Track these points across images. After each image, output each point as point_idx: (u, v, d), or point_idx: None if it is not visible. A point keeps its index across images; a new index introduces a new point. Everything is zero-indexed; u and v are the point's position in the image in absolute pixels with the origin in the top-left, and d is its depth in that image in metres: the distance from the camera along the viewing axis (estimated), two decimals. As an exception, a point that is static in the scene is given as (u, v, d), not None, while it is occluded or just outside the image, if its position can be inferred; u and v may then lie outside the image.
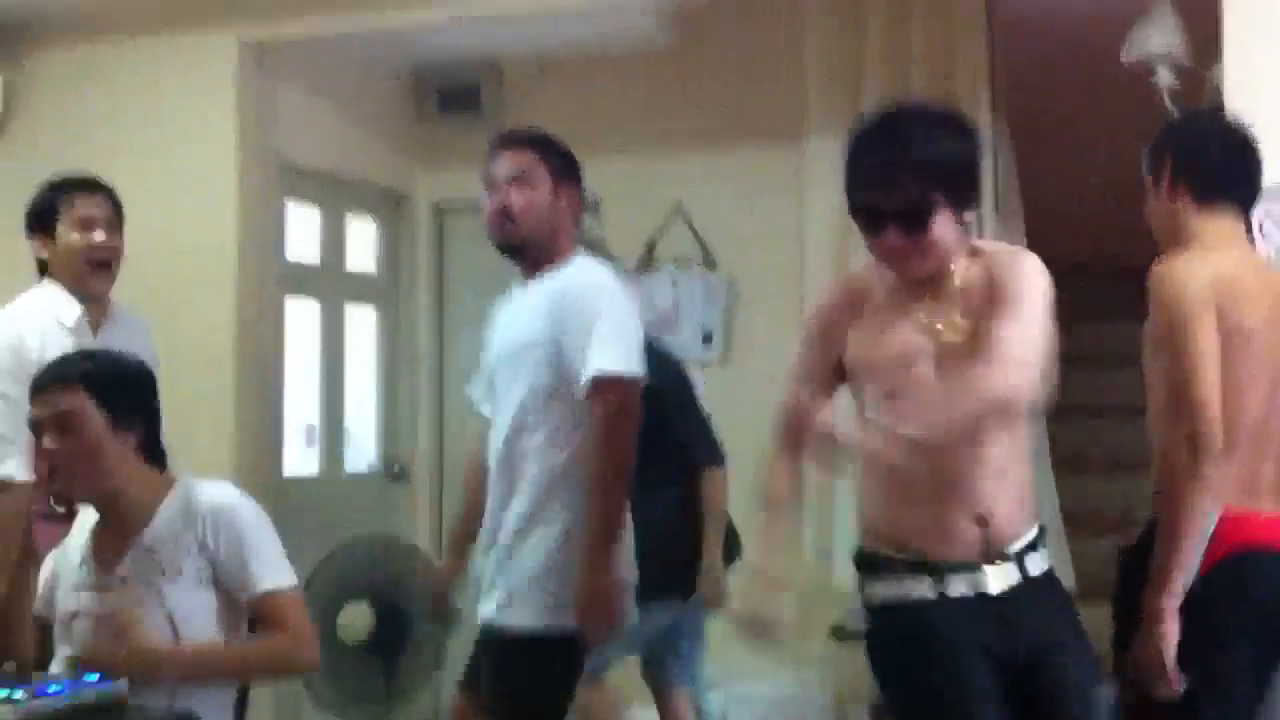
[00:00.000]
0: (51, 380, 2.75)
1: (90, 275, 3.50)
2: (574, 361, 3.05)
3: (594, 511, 3.02)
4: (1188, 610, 2.70)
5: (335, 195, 5.43)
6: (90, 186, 3.57)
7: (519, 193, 3.16)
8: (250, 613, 2.78)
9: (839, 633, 4.47)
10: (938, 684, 2.49)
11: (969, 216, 2.53)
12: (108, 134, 4.82)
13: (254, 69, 4.80)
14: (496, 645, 3.07)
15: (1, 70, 4.88)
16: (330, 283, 5.43)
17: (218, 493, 2.85)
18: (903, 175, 2.42)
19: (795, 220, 5.09)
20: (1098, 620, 4.90)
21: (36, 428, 2.72)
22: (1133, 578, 2.78)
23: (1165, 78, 4.67)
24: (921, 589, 2.51)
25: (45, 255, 3.53)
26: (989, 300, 2.48)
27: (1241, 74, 3.68)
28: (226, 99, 4.74)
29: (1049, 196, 5.26)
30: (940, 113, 2.57)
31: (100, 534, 2.82)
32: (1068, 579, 4.72)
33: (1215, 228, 2.83)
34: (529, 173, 3.18)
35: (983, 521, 2.51)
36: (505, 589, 3.08)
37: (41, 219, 3.52)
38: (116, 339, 3.46)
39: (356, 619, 3.65)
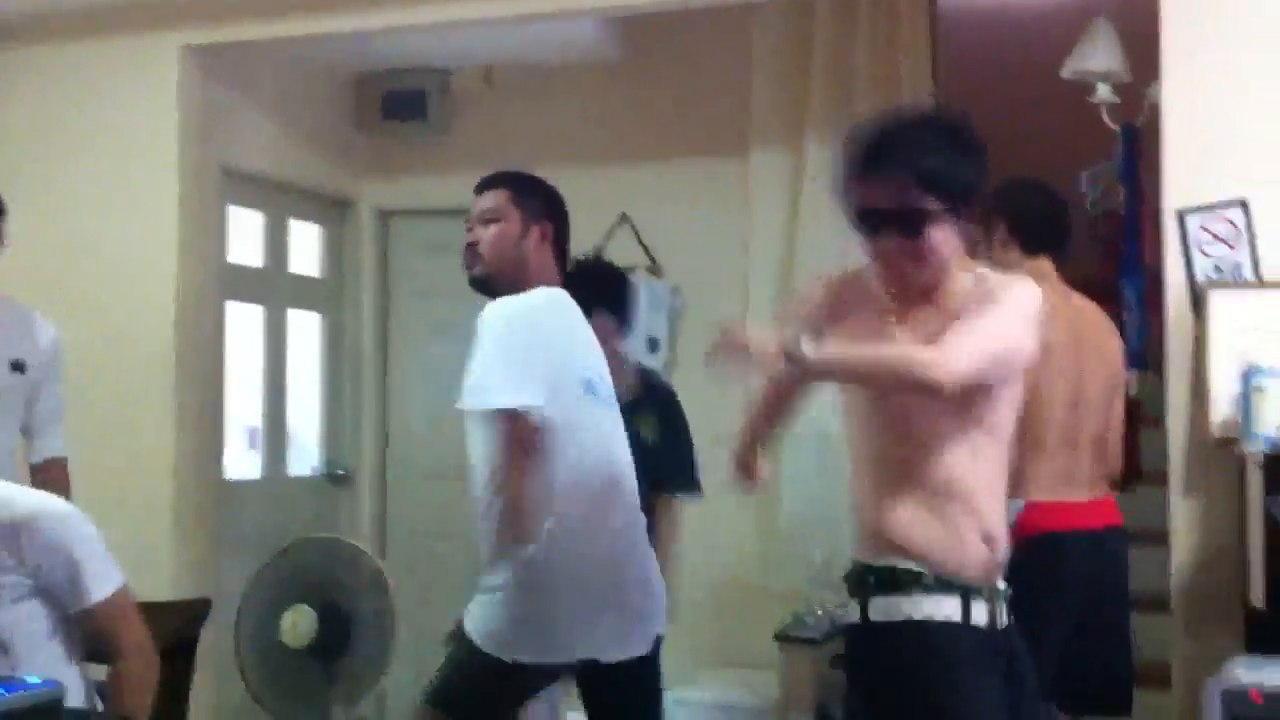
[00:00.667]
0: None
1: None
2: None
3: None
4: None
5: (278, 200, 5.40)
6: None
7: (486, 230, 3.24)
8: (83, 625, 2.75)
9: (782, 637, 4.49)
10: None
11: (969, 232, 2.49)
12: (48, 136, 4.78)
13: (196, 73, 4.76)
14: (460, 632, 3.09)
15: (-60, 69, 4.82)
16: (273, 287, 5.40)
17: (36, 503, 2.78)
18: (902, 176, 2.38)
19: (741, 230, 5.12)
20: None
21: None
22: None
23: (1104, 94, 4.75)
24: (948, 609, 2.39)
25: None
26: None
27: (1179, 91, 3.74)
28: (168, 103, 4.70)
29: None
30: (947, 122, 2.53)
31: None
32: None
33: (1036, 267, 3.45)
34: (500, 210, 3.25)
35: (990, 541, 2.45)
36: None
37: None
38: None
39: (299, 622, 3.62)
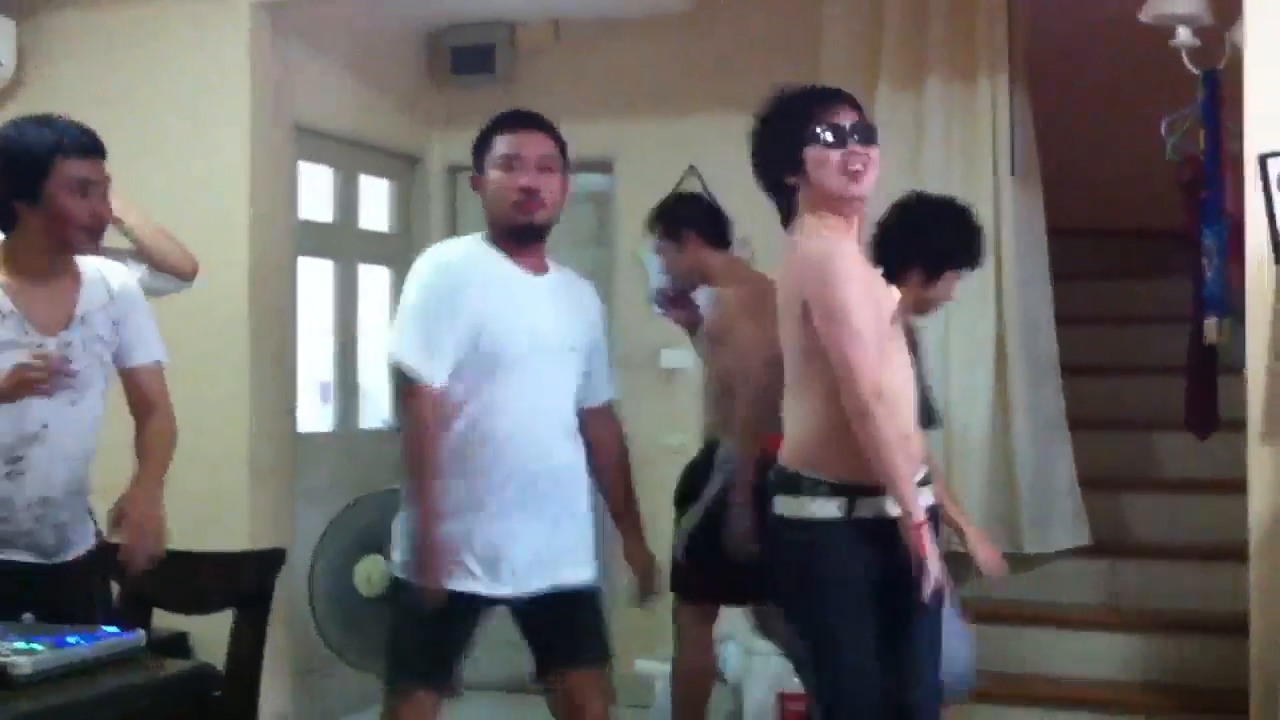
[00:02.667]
0: None
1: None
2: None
3: None
4: None
5: (349, 156, 5.42)
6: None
7: (548, 178, 3.15)
8: (127, 380, 3.04)
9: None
10: None
11: None
12: (120, 95, 4.81)
13: (267, 30, 4.78)
14: None
15: (18, 29, 4.86)
16: (344, 242, 5.43)
17: (124, 274, 3.09)
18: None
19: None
20: (1120, 572, 4.90)
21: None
22: None
23: (1185, 37, 4.64)
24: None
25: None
26: None
27: (1261, 33, 3.66)
28: (240, 60, 4.73)
29: (1070, 160, 5.23)
30: None
31: (30, 295, 2.89)
32: (1083, 535, 4.76)
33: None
34: (556, 158, 3.18)
35: None
36: None
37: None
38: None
39: (373, 573, 3.67)
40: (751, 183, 5.18)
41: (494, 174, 3.17)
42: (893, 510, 2.84)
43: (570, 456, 3.19)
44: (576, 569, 3.19)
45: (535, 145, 3.16)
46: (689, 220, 4.18)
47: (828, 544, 2.87)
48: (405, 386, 3.08)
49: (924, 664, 2.99)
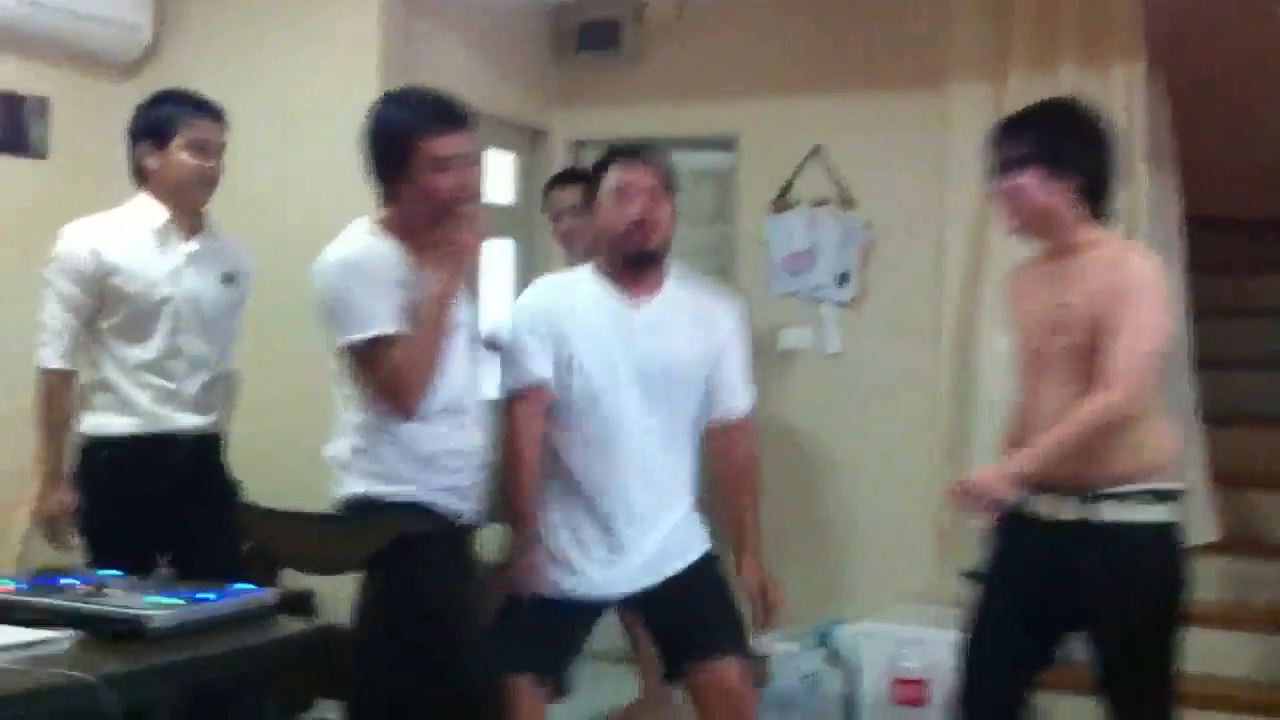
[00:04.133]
0: None
1: (195, 190, 3.59)
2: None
3: None
4: None
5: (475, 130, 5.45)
6: (209, 110, 3.63)
7: (661, 207, 3.23)
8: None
9: (971, 574, 4.44)
10: None
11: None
12: (254, 68, 4.88)
13: (397, 5, 4.83)
14: None
15: (155, -2, 4.96)
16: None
17: None
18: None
19: (935, 165, 5.01)
20: (1251, 571, 4.81)
21: None
22: None
23: (1330, 25, 4.51)
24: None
25: (150, 164, 3.57)
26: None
27: None
28: (370, 35, 4.77)
29: (1209, 151, 5.10)
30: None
31: None
32: (1212, 531, 4.66)
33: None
34: (662, 190, 3.25)
35: None
36: None
37: (158, 131, 3.57)
38: (210, 247, 3.64)
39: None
40: (877, 162, 5.19)
41: (607, 204, 3.25)
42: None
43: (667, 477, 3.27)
44: (683, 553, 3.25)
45: (645, 176, 3.25)
46: None
47: None
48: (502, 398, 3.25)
49: None
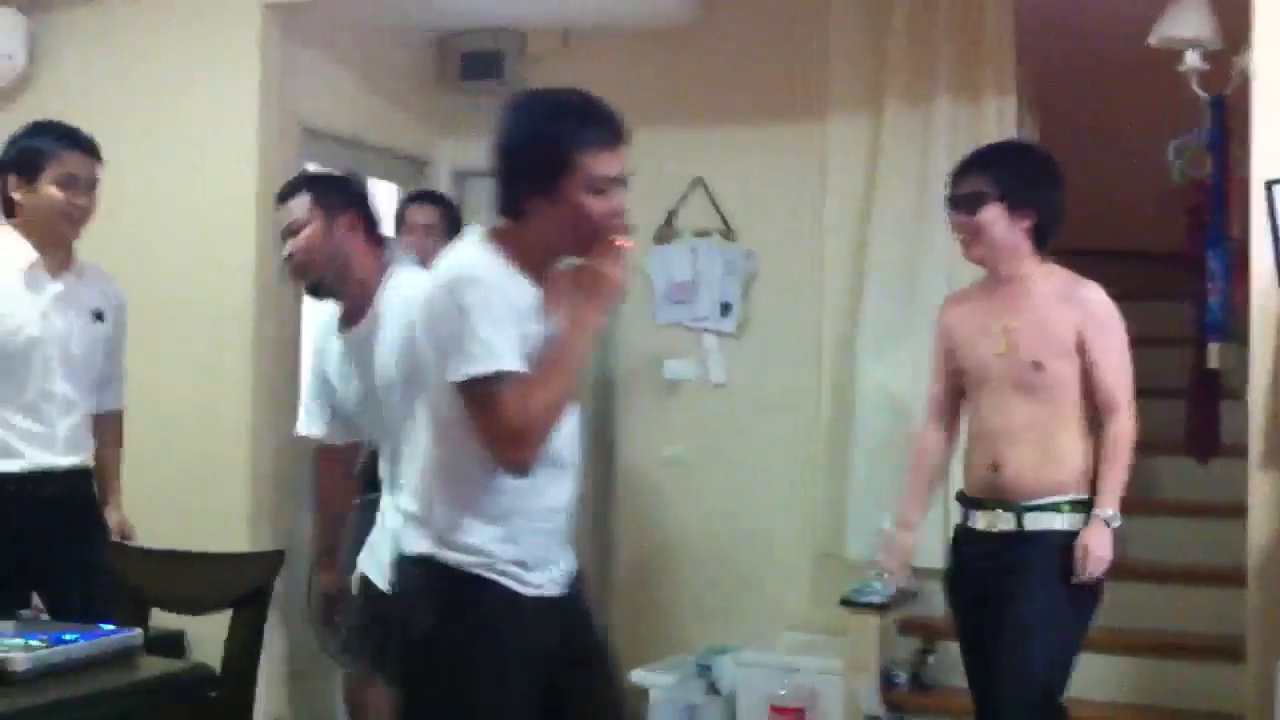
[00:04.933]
0: None
1: (62, 225, 3.53)
2: None
3: None
4: None
5: (356, 158, 5.41)
6: (80, 144, 3.57)
7: (297, 240, 3.33)
8: None
9: (848, 602, 4.49)
10: None
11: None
12: (130, 91, 4.82)
13: (277, 31, 4.79)
14: None
15: (28, 24, 4.87)
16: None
17: None
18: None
19: (816, 194, 5.08)
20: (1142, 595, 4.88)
21: None
22: None
23: (1193, 62, 4.64)
24: None
25: (17, 198, 3.52)
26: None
27: (1270, 58, 3.66)
28: (249, 61, 4.73)
29: (1075, 182, 5.21)
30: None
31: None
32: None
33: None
34: (303, 218, 3.32)
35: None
36: None
37: (26, 165, 3.51)
38: (77, 286, 3.59)
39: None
40: (758, 193, 5.25)
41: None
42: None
43: None
44: None
45: (282, 216, 3.38)
46: None
47: None
48: None
49: None
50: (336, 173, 3.48)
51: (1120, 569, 4.82)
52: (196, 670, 2.70)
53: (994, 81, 4.78)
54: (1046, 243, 3.44)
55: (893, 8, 4.91)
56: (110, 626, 2.64)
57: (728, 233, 5.27)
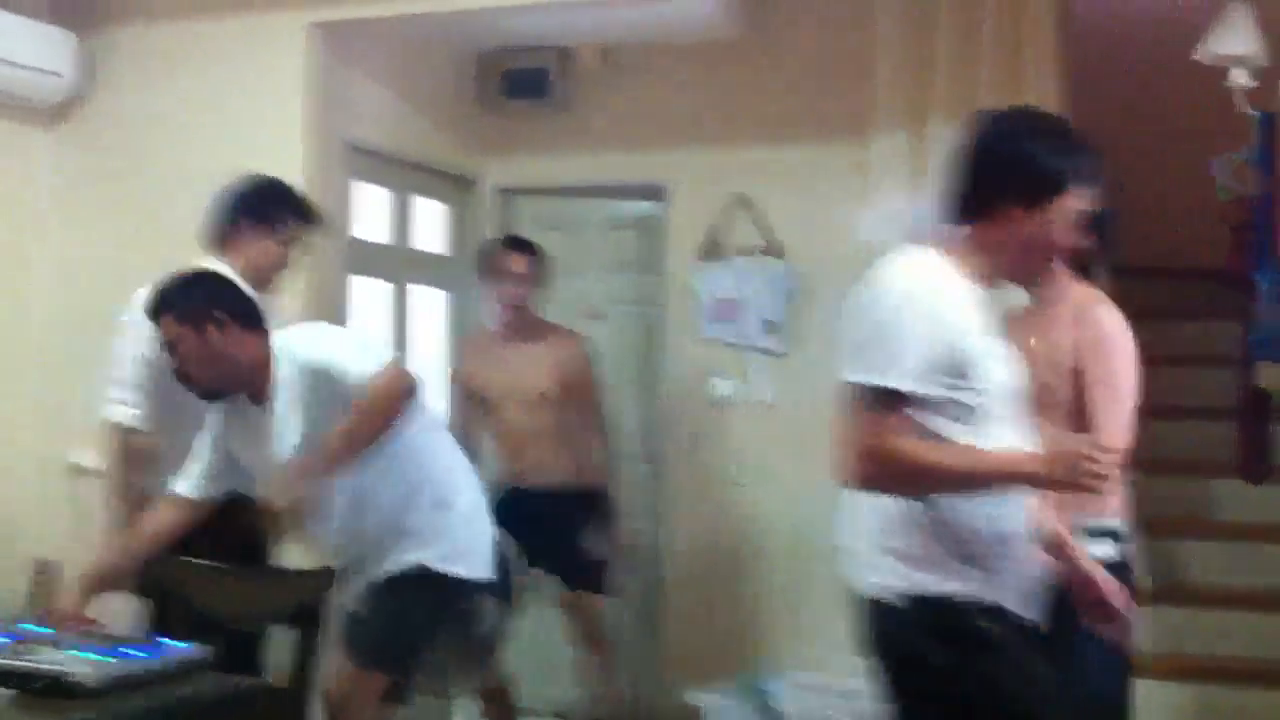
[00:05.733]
0: None
1: (271, 274, 3.85)
2: None
3: None
4: None
5: (403, 177, 5.45)
6: (314, 219, 3.92)
7: (176, 358, 3.37)
8: None
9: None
10: None
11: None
12: (177, 109, 4.86)
13: (322, 51, 4.81)
14: None
15: (79, 43, 4.92)
16: (397, 262, 5.46)
17: None
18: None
19: (860, 214, 5.07)
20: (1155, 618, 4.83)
21: None
22: None
23: (1240, 78, 4.64)
24: None
25: (236, 240, 3.81)
26: None
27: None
28: (294, 80, 4.76)
29: (1127, 201, 5.20)
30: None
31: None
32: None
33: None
34: (173, 337, 3.36)
35: None
36: None
37: (263, 216, 3.82)
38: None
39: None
40: (803, 211, 5.24)
41: None
42: None
43: None
44: None
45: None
46: None
47: None
48: None
49: None
50: (188, 274, 3.47)
51: (1174, 593, 4.85)
52: (259, 687, 2.71)
53: (1038, 98, 4.76)
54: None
55: (938, 24, 4.91)
56: (175, 643, 2.66)
57: (772, 249, 5.27)
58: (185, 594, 3.26)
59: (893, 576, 2.50)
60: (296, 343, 3.42)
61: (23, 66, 4.72)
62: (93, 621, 3.03)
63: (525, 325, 4.80)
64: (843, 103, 5.15)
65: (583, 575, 4.68)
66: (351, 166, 5.04)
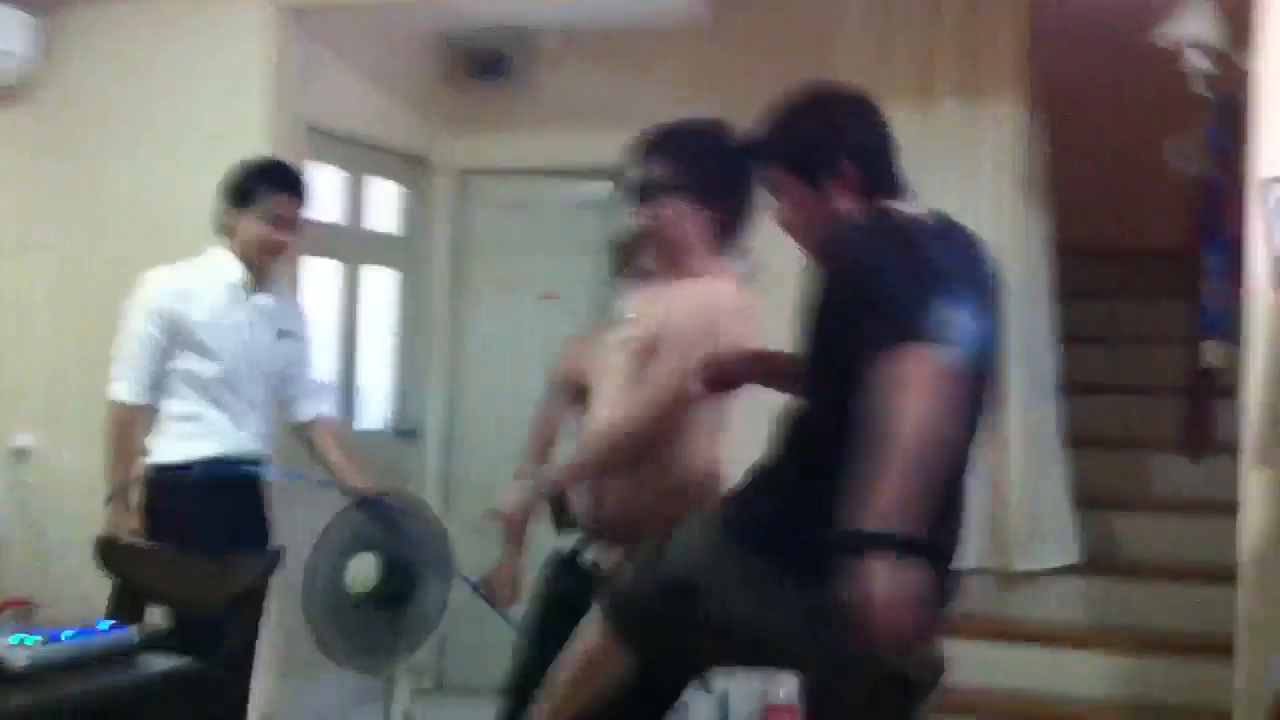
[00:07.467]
0: None
1: (258, 254, 3.83)
2: None
3: None
4: None
5: (359, 158, 5.44)
6: (294, 188, 3.86)
7: None
8: None
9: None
10: None
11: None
12: (139, 90, 4.86)
13: (287, 31, 4.81)
14: None
15: (37, 24, 4.90)
16: (350, 243, 5.46)
17: None
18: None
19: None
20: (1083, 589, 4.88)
21: None
22: None
23: (1198, 61, 4.64)
24: None
25: (229, 223, 3.83)
26: None
27: (1273, 58, 3.67)
28: (260, 61, 4.76)
29: (1081, 181, 5.22)
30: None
31: None
32: (1073, 553, 4.75)
33: None
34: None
35: None
36: None
37: (241, 196, 3.81)
38: (269, 305, 3.89)
39: (362, 570, 3.68)
40: (760, 195, 5.23)
41: None
42: None
43: None
44: None
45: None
46: None
47: None
48: None
49: None
50: None
51: (1112, 566, 4.89)
52: (192, 669, 2.71)
53: (998, 79, 4.78)
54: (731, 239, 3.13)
55: (899, 9, 4.91)
56: (107, 624, 2.66)
57: (731, 233, 5.26)
58: (132, 577, 3.26)
59: None
60: None
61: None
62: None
63: None
64: (802, 84, 5.13)
65: None
66: (310, 147, 5.03)
